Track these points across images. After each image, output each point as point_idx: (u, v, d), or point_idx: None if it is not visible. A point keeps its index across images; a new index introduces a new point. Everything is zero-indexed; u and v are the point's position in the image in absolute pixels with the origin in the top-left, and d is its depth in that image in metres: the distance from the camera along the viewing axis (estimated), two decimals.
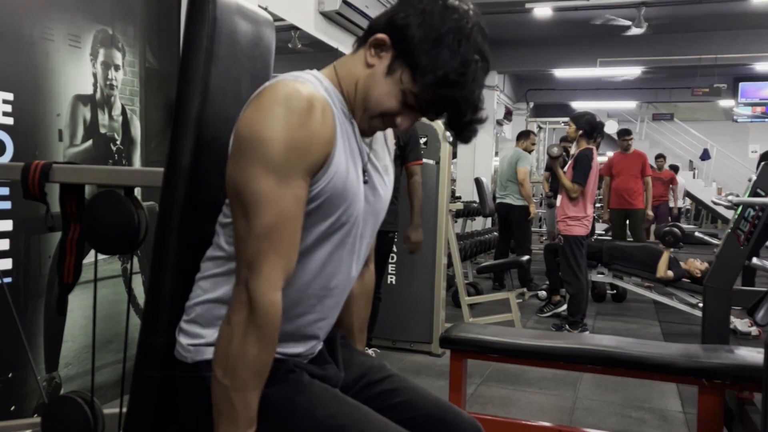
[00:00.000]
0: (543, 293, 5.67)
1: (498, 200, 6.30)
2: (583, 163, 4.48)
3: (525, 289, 5.79)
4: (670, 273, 4.73)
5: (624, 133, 6.81)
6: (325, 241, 1.08)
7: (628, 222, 6.70)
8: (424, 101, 1.06)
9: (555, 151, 4.92)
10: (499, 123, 11.41)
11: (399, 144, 3.45)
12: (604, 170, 6.92)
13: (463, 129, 1.08)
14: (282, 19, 4.57)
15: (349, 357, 1.28)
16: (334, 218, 1.07)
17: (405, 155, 3.49)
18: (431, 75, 1.02)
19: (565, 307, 5.07)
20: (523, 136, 6.35)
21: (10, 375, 2.19)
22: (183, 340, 1.09)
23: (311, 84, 1.04)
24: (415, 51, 1.02)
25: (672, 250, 4.85)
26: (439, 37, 1.02)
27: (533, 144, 6.38)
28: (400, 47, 1.04)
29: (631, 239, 6.64)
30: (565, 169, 4.86)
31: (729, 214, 9.04)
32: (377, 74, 1.06)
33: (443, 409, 1.23)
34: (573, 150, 6.95)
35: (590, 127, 4.54)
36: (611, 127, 12.77)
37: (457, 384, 2.26)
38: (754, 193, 3.32)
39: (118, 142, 2.65)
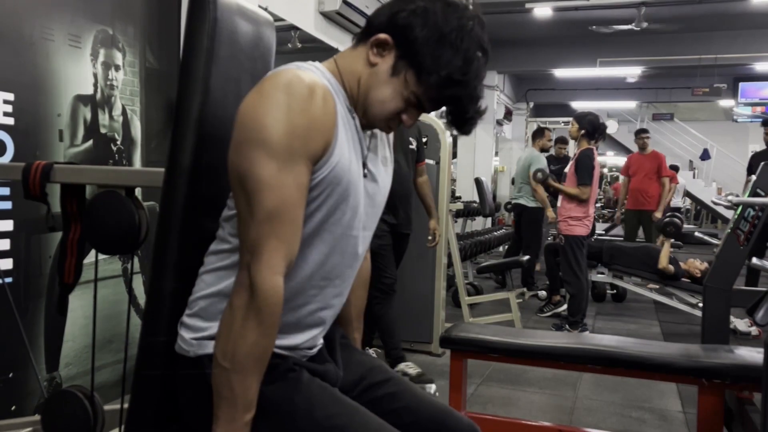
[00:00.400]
0: (543, 293, 5.68)
1: (513, 200, 6.31)
2: (585, 163, 4.49)
3: (525, 289, 5.80)
4: (671, 267, 4.72)
5: (640, 132, 6.82)
6: (326, 232, 1.08)
7: (642, 224, 6.67)
8: (428, 100, 1.07)
9: (539, 176, 4.99)
10: (499, 123, 11.41)
11: (418, 145, 3.48)
12: (623, 170, 6.94)
13: (466, 123, 1.10)
14: (282, 19, 4.57)
15: (349, 357, 1.28)
16: (335, 209, 1.07)
17: (418, 156, 3.51)
18: (435, 76, 1.03)
19: (565, 307, 5.07)
20: (538, 135, 6.22)
21: (11, 375, 2.19)
22: (185, 333, 1.09)
23: (313, 73, 1.05)
24: (419, 52, 1.03)
25: (672, 240, 4.84)
26: (442, 37, 1.03)
27: (549, 141, 6.31)
28: (403, 48, 1.05)
29: (642, 240, 6.62)
30: (566, 169, 4.86)
31: (729, 214, 9.04)
32: (380, 73, 1.07)
33: (443, 413, 1.24)
34: (569, 150, 6.97)
35: (592, 128, 4.55)
36: (611, 127, 12.76)
37: (457, 384, 2.26)
38: (754, 193, 3.32)
39: (118, 143, 2.65)
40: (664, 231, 4.82)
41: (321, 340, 1.22)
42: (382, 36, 1.06)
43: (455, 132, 1.16)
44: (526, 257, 4.89)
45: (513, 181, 11.87)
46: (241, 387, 1.00)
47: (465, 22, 1.04)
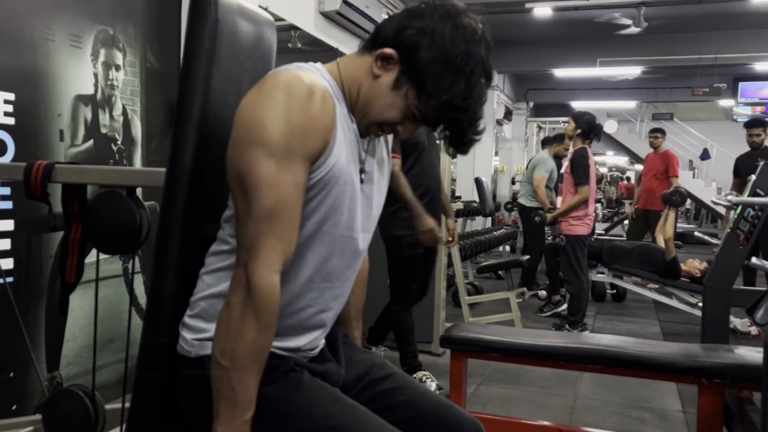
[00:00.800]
0: (543, 293, 5.68)
1: (517, 199, 6.38)
2: (580, 163, 4.51)
3: (525, 289, 5.81)
4: (673, 249, 4.70)
5: (652, 131, 6.83)
6: (325, 233, 1.09)
7: (649, 223, 6.66)
8: (427, 118, 1.08)
9: (537, 220, 5.08)
10: (499, 123, 11.41)
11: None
12: (643, 170, 7.00)
13: (463, 144, 1.10)
14: (282, 19, 4.58)
15: (351, 355, 1.28)
16: (333, 209, 1.08)
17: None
18: (436, 99, 1.03)
19: (565, 306, 5.08)
20: (556, 140, 6.24)
21: (11, 374, 2.20)
22: (186, 334, 1.10)
23: (313, 74, 1.05)
24: (422, 73, 1.03)
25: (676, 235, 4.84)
26: (447, 61, 1.02)
27: (566, 150, 6.30)
28: (407, 65, 1.05)
29: (648, 240, 6.61)
30: (563, 170, 4.87)
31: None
32: (382, 85, 1.07)
33: (445, 409, 1.24)
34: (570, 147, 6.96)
35: (589, 128, 4.57)
36: (611, 127, 12.76)
37: (457, 383, 2.27)
38: (753, 193, 3.32)
39: (119, 142, 2.65)
40: (669, 200, 4.82)
41: (323, 341, 1.22)
42: (388, 51, 1.06)
43: (454, 152, 1.16)
44: (527, 257, 4.89)
45: (513, 181, 11.92)
46: (241, 385, 1.01)
47: (472, 48, 1.03)
